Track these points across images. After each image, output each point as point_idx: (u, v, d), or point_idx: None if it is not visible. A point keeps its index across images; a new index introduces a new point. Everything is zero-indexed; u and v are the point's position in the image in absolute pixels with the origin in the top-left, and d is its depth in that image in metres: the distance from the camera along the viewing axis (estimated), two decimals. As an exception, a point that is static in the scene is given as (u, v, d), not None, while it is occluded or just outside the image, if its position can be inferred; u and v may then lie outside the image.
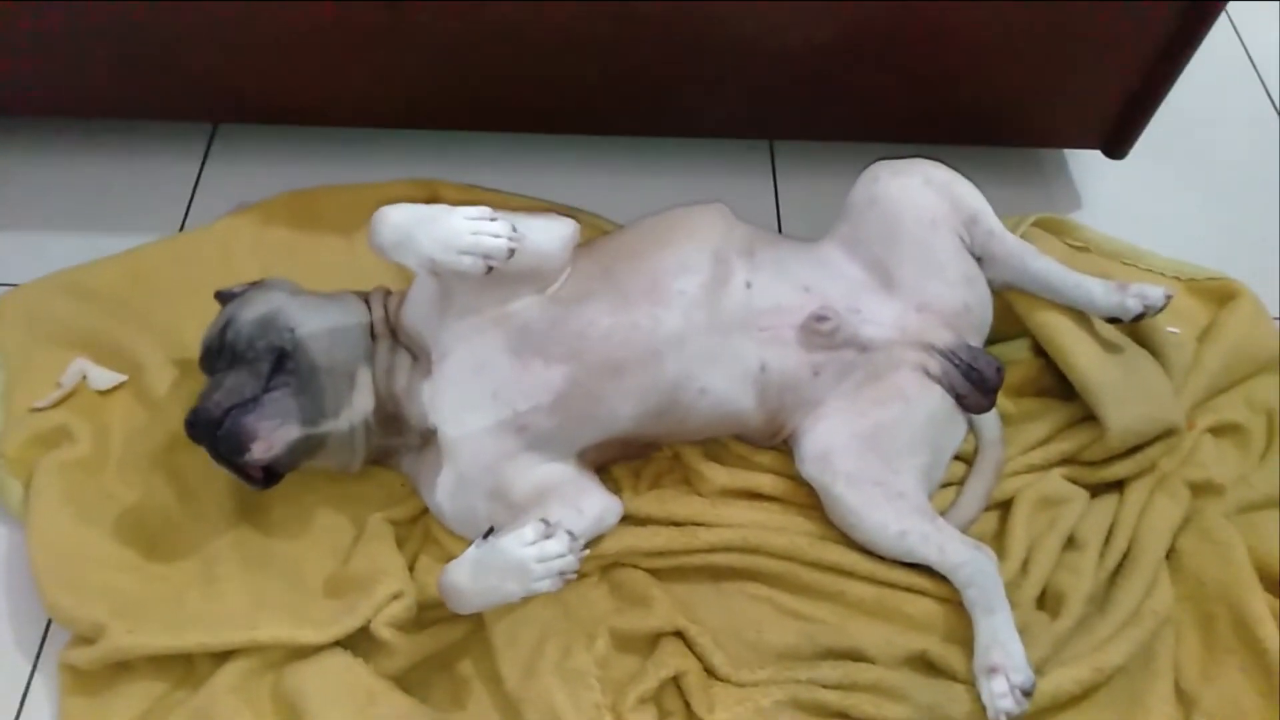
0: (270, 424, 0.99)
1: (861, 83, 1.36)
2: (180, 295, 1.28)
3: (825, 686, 1.02)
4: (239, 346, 1.02)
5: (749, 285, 1.11)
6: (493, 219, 0.97)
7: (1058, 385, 1.23)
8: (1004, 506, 1.17)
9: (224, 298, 1.14)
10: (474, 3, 1.21)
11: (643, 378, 1.05)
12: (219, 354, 1.04)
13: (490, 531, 0.96)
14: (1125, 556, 1.12)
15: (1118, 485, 1.18)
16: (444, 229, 0.95)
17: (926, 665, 1.05)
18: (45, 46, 1.25)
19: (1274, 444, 1.23)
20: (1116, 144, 1.42)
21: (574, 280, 1.07)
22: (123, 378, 1.21)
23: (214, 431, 0.97)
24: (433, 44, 1.27)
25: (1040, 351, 1.25)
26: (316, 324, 1.05)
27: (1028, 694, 0.98)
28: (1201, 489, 1.17)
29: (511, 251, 0.95)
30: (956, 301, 1.16)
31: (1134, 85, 1.35)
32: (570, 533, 0.95)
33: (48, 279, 1.28)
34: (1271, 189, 1.57)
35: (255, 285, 1.13)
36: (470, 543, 1.04)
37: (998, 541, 1.14)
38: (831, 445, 1.10)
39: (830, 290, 1.14)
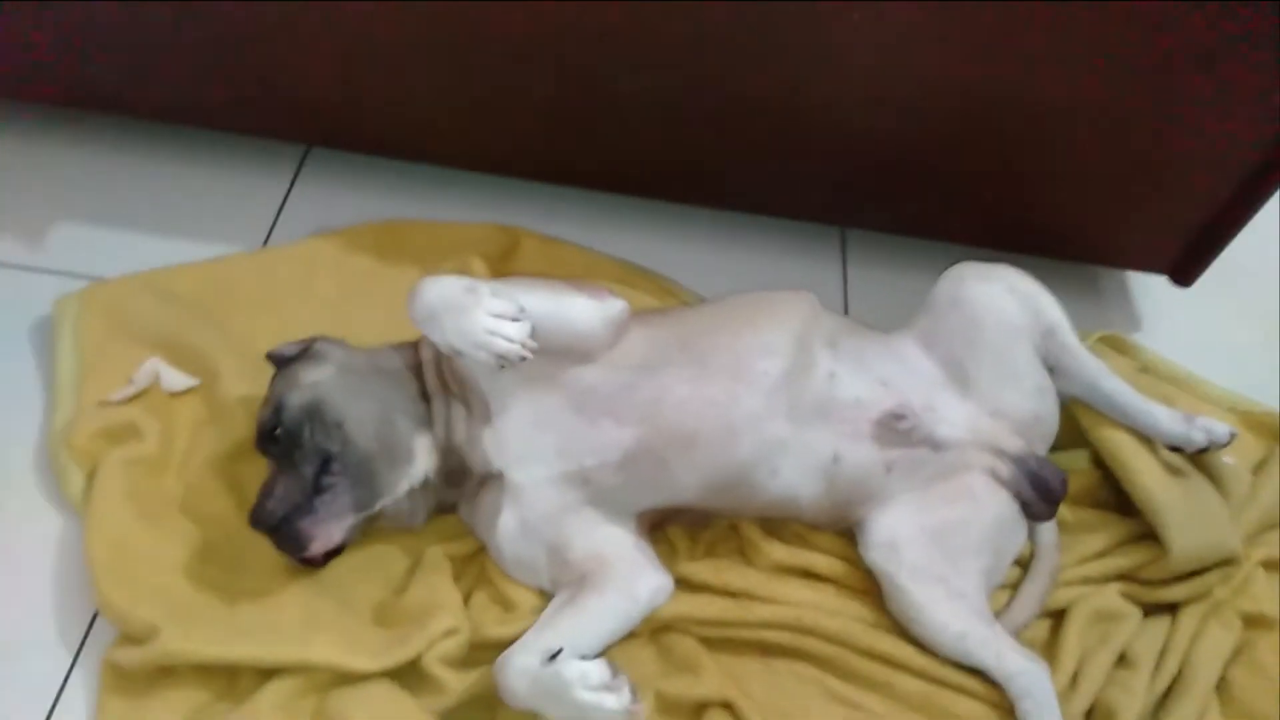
0: (325, 526, 1.02)
1: (941, 181, 1.40)
2: (259, 308, 1.30)
3: (873, 778, 1.00)
4: (289, 437, 1.03)
5: (831, 376, 1.12)
6: (515, 319, 0.96)
7: (1115, 500, 1.24)
8: (1055, 616, 1.17)
9: (275, 360, 1.14)
10: (592, 79, 1.27)
11: (715, 452, 1.06)
12: (271, 439, 1.04)
13: (559, 654, 0.95)
14: (1175, 680, 1.11)
15: (1170, 608, 1.18)
16: (465, 322, 0.95)
17: (974, 769, 1.03)
18: (173, 51, 1.29)
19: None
20: (1185, 272, 1.45)
21: (644, 347, 1.08)
22: (195, 381, 1.22)
23: (273, 534, 1.01)
24: (542, 105, 1.31)
25: (1098, 464, 1.26)
26: (364, 412, 1.05)
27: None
28: (1254, 621, 1.16)
29: (524, 357, 0.95)
30: (1029, 411, 1.18)
31: (1210, 216, 1.38)
32: (633, 692, 0.94)
33: (133, 277, 1.30)
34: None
35: (305, 352, 1.12)
36: (526, 588, 1.06)
37: (1048, 651, 1.13)
38: (898, 535, 1.11)
39: (907, 387, 1.16)
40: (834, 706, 1.07)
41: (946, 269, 1.23)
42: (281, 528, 1.00)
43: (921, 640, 1.09)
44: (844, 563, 1.15)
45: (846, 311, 1.50)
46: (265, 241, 1.43)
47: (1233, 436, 1.19)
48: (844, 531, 1.17)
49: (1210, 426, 1.19)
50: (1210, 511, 1.18)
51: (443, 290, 0.99)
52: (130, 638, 0.99)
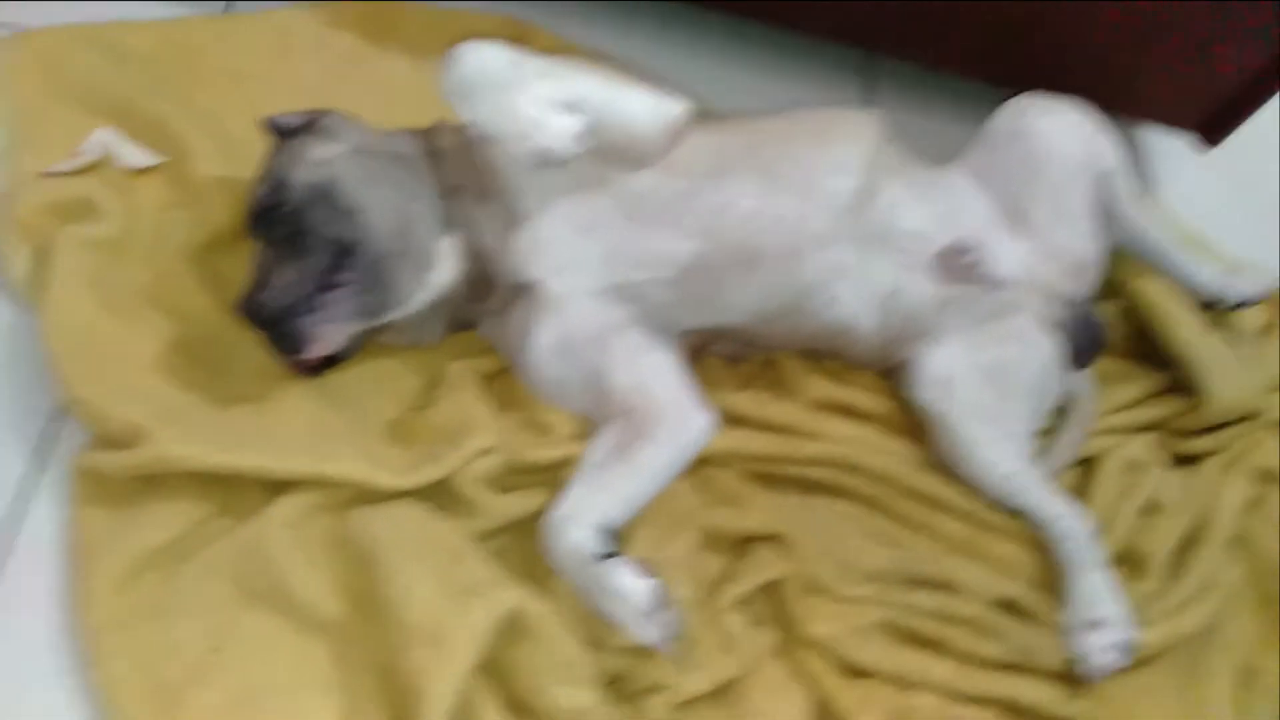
0: (329, 327, 0.87)
1: (973, 13, 1.30)
2: (227, 81, 1.11)
3: (924, 615, 0.97)
4: (292, 220, 0.88)
5: (893, 204, 1.04)
6: (569, 111, 0.83)
7: (1141, 352, 1.22)
8: (1083, 463, 1.15)
9: (278, 129, 0.96)
10: None
11: (776, 273, 0.96)
12: (269, 221, 0.89)
13: (612, 554, 0.84)
14: (1197, 528, 1.12)
15: (1189, 459, 1.18)
16: (508, 103, 0.82)
17: (1014, 609, 1.01)
18: None
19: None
20: (1212, 131, 1.41)
21: (704, 153, 0.96)
22: (159, 159, 1.02)
23: (267, 327, 0.85)
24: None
25: (1127, 316, 1.23)
26: (383, 202, 0.90)
27: (1130, 651, 0.96)
28: (1267, 477, 1.18)
29: (566, 157, 0.83)
30: (1081, 254, 1.13)
31: (1243, 81, 1.34)
32: (676, 623, 0.84)
33: (74, 29, 1.08)
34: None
35: (312, 123, 0.95)
36: (560, 411, 0.96)
37: (1078, 497, 1.11)
38: (953, 372, 1.05)
39: (964, 221, 1.08)
40: (875, 545, 1.02)
41: (979, 111, 1.14)
42: (279, 321, 0.85)
43: (967, 479, 1.05)
44: (887, 400, 1.09)
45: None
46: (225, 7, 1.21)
47: (1265, 295, 1.18)
48: (886, 373, 1.11)
49: (1243, 284, 1.18)
50: (1242, 365, 1.17)
51: (485, 61, 0.84)
52: (109, 440, 0.84)
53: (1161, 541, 1.08)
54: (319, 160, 0.90)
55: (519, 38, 1.25)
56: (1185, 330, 1.15)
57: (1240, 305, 1.18)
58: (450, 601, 0.80)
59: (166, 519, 0.84)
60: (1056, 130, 1.12)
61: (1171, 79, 1.38)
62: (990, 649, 0.97)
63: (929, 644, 0.97)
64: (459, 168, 0.94)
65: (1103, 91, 1.41)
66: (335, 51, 1.17)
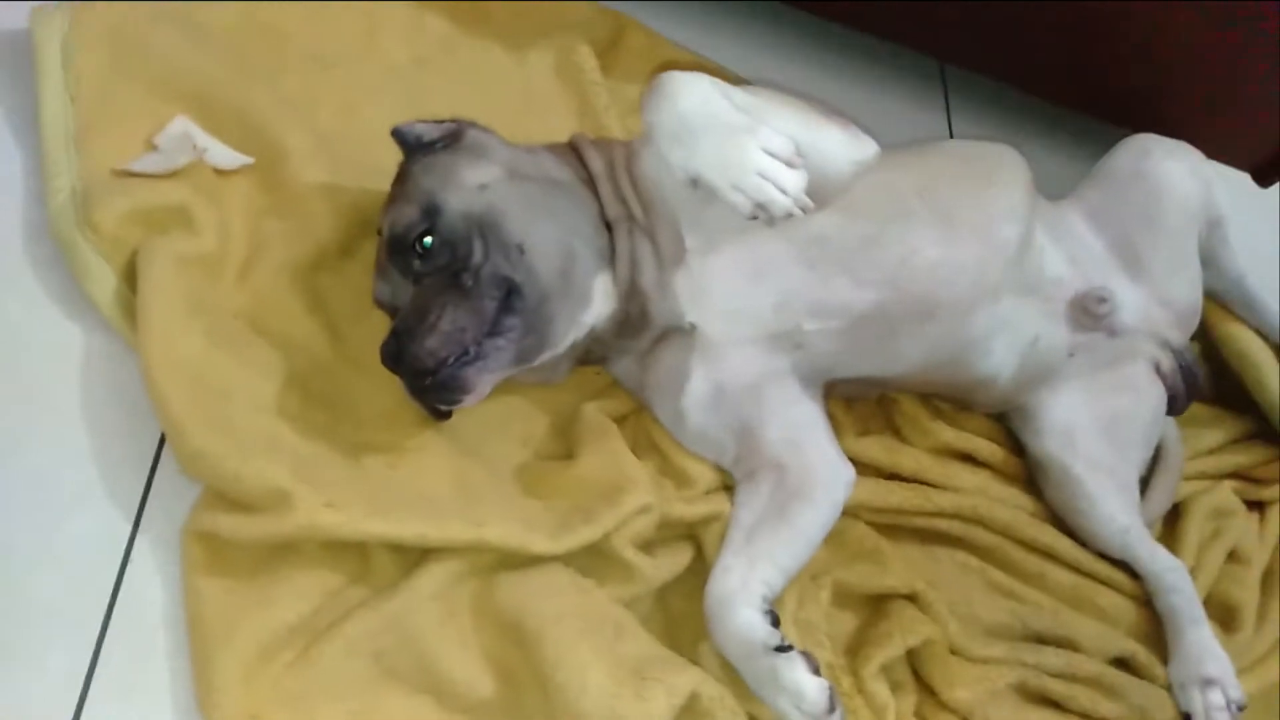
0: (488, 376, 0.78)
1: (1039, 34, 1.27)
2: (315, 67, 0.99)
3: (1049, 674, 0.96)
4: (449, 252, 0.78)
5: (1042, 249, 1.00)
6: (791, 164, 0.76)
7: (1219, 394, 1.24)
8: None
9: (408, 142, 0.86)
10: None
11: (949, 325, 0.92)
12: (420, 252, 0.79)
13: (786, 648, 0.78)
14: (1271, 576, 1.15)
15: (1256, 505, 1.21)
16: (733, 152, 0.76)
17: (1128, 666, 1.02)
18: None
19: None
20: (1265, 174, 1.44)
21: (880, 193, 0.90)
22: (248, 159, 0.90)
23: (422, 378, 0.76)
24: None
25: (1207, 358, 1.24)
26: (547, 236, 0.81)
27: (1239, 709, 0.98)
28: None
29: (790, 214, 0.76)
30: (1192, 301, 1.13)
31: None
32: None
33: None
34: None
35: (453, 135, 0.85)
36: (700, 459, 0.91)
37: (1165, 543, 1.12)
38: (1075, 424, 1.04)
39: (1091, 267, 1.06)
40: (997, 597, 1.01)
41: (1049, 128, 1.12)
42: (439, 372, 0.76)
43: (1082, 531, 1.04)
44: (1000, 446, 1.07)
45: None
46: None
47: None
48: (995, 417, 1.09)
49: (1324, 332, 1.20)
50: (1321, 415, 1.21)
51: (706, 101, 0.77)
52: (238, 502, 0.73)
53: (1249, 591, 1.11)
54: (477, 185, 0.80)
55: (617, 31, 1.16)
56: (1273, 376, 1.17)
57: (1320, 354, 1.21)
58: (626, 687, 0.74)
59: (300, 592, 0.74)
60: (1180, 175, 1.11)
61: (1237, 120, 1.39)
62: (1109, 709, 0.97)
63: (1054, 703, 0.96)
64: (615, 197, 0.86)
65: (1164, 125, 1.42)
66: (427, 38, 1.05)
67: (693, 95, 0.77)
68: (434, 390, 0.77)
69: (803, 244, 0.86)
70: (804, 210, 0.76)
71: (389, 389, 0.84)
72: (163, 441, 0.79)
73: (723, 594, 0.81)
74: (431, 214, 0.79)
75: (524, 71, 1.08)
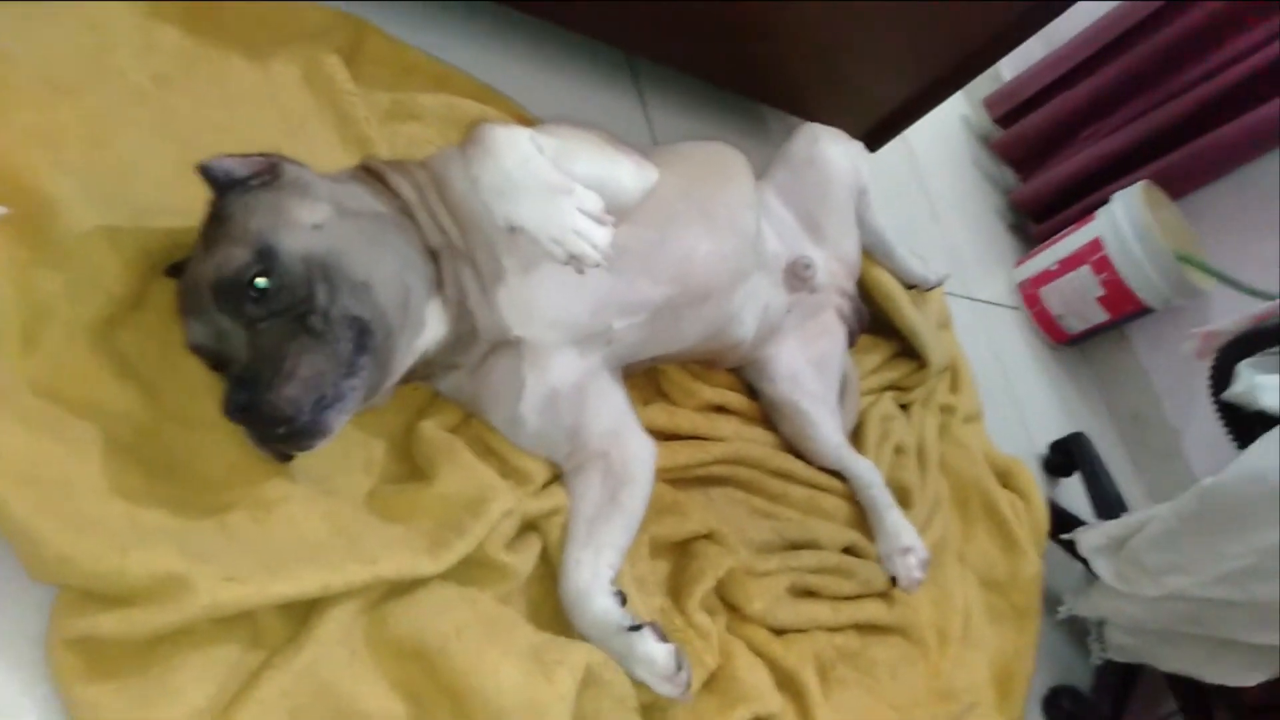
0: (346, 416, 0.78)
1: (713, 27, 1.45)
2: (49, 94, 0.86)
3: (807, 571, 1.21)
4: (293, 295, 0.76)
5: (763, 229, 1.20)
6: (601, 221, 0.86)
7: (873, 326, 1.57)
8: (851, 421, 1.48)
9: (217, 179, 0.81)
10: None
11: (720, 305, 1.09)
12: (256, 297, 0.76)
13: (637, 627, 0.90)
14: (921, 457, 1.52)
15: (902, 407, 1.57)
16: (553, 211, 0.83)
17: (854, 551, 1.30)
18: None
19: (960, 378, 1.73)
20: (874, 140, 1.80)
21: (653, 201, 1.02)
22: (4, 209, 0.78)
23: (278, 426, 0.74)
24: None
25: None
26: (387, 272, 0.82)
27: (927, 566, 1.31)
28: (946, 410, 1.62)
29: (598, 264, 0.86)
30: (856, 256, 1.42)
31: (902, 103, 1.72)
32: (688, 682, 0.92)
33: None
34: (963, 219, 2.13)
35: (272, 174, 0.82)
36: (534, 457, 0.99)
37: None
38: (796, 368, 1.28)
39: (789, 238, 1.30)
40: (760, 519, 1.23)
41: (793, 126, 1.36)
42: (300, 419, 0.75)
43: (808, 453, 1.30)
44: (743, 396, 1.29)
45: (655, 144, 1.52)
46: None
47: (944, 278, 1.60)
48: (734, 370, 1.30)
49: (937, 270, 1.58)
50: (939, 335, 1.59)
51: (527, 160, 0.84)
52: (119, 597, 0.68)
53: (913, 474, 1.45)
54: (310, 224, 0.79)
55: (357, 38, 1.14)
56: (909, 310, 1.52)
57: (933, 288, 1.58)
58: (534, 676, 0.82)
59: (200, 674, 0.70)
60: (840, 156, 1.38)
61: (851, 96, 1.72)
62: (848, 587, 1.24)
63: (812, 593, 1.21)
64: (433, 225, 0.89)
65: (797, 102, 1.72)
66: (162, 52, 0.96)
67: (515, 154, 0.83)
68: (291, 438, 0.76)
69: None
70: (608, 261, 0.85)
71: (227, 442, 0.81)
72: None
73: (578, 587, 0.92)
74: (266, 256, 0.76)
75: (271, 85, 1.03)
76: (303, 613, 0.78)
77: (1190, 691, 1.50)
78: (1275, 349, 1.41)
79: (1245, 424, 1.40)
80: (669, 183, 1.06)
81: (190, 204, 0.86)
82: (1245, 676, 1.32)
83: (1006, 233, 2.33)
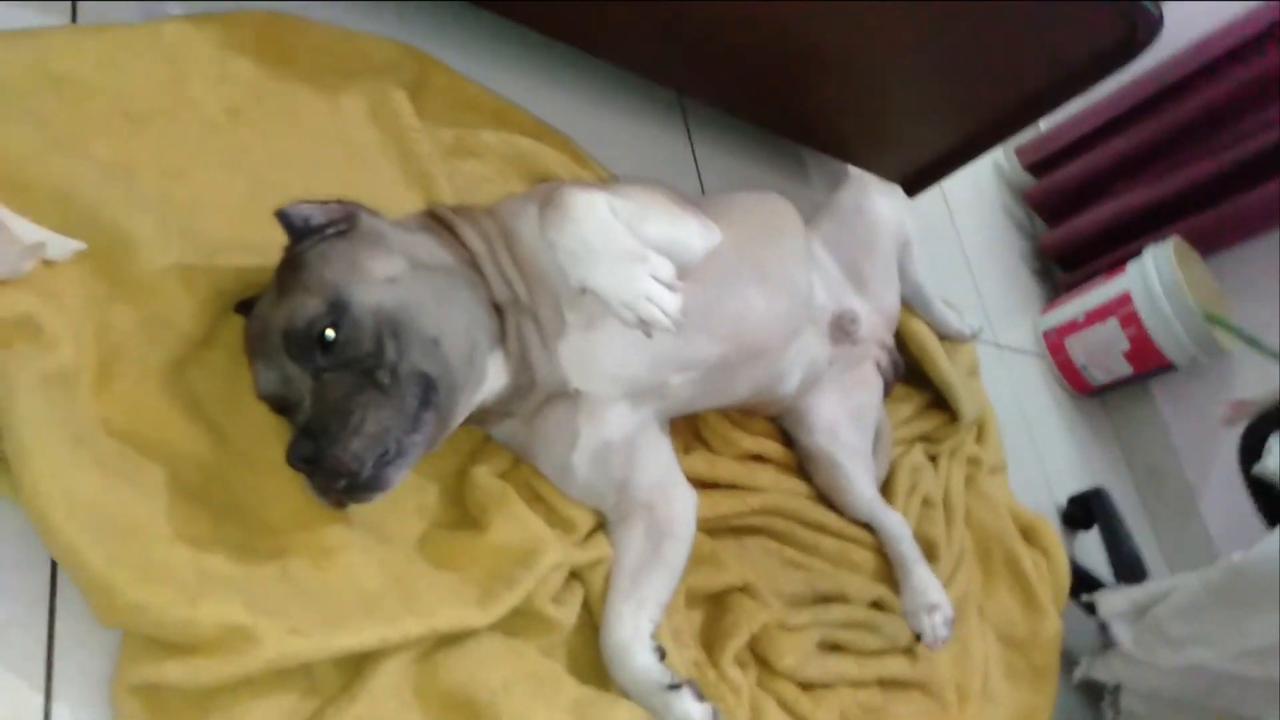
0: (407, 471, 0.79)
1: (763, 71, 1.45)
2: (126, 125, 0.87)
3: (835, 626, 1.21)
4: (362, 348, 0.77)
5: (813, 283, 1.21)
6: (672, 287, 0.85)
7: (907, 376, 1.57)
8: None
9: (295, 226, 0.81)
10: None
11: (772, 362, 1.10)
12: (327, 347, 0.76)
13: (677, 686, 0.90)
14: (949, 510, 1.52)
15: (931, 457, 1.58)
16: (627, 277, 0.83)
17: (881, 605, 1.30)
18: None
19: (987, 430, 1.74)
20: (912, 186, 1.80)
21: (711, 261, 1.02)
22: (81, 245, 0.79)
23: (340, 479, 0.74)
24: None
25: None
26: (455, 328, 0.83)
27: (952, 624, 1.31)
28: (973, 461, 1.63)
29: (666, 330, 0.85)
30: (896, 308, 1.43)
31: (941, 154, 1.73)
32: None
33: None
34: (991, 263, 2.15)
35: (348, 223, 0.83)
36: (581, 505, 1.00)
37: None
38: (835, 421, 1.28)
39: (837, 290, 1.30)
40: (792, 570, 1.23)
41: (844, 175, 1.36)
42: (364, 473, 0.75)
43: (841, 504, 1.31)
44: (781, 445, 1.29)
45: (702, 188, 1.53)
46: (74, 15, 0.91)
47: (978, 332, 1.61)
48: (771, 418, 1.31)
49: (970, 324, 1.59)
50: (972, 388, 1.59)
51: (604, 226, 0.84)
52: (184, 646, 0.69)
53: (939, 528, 1.46)
54: (384, 278, 0.79)
55: (422, 72, 1.14)
56: (943, 364, 1.52)
57: (968, 340, 1.59)
58: (577, 731, 0.83)
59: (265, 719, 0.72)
60: (888, 208, 1.38)
61: (891, 142, 1.73)
62: (873, 642, 1.25)
63: (839, 648, 1.22)
64: (500, 278, 0.89)
65: (839, 146, 1.73)
66: (235, 85, 0.96)
67: (592, 219, 0.83)
68: (352, 491, 0.76)
69: None
70: (676, 328, 0.85)
71: (290, 487, 0.82)
72: (54, 593, 0.70)
73: (620, 642, 0.92)
74: (338, 309, 0.77)
75: (338, 119, 1.04)
76: (357, 661, 0.79)
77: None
78: (1307, 424, 1.42)
79: (1273, 499, 1.41)
80: (726, 238, 1.06)
81: (260, 240, 0.88)
82: (1261, 752, 1.33)
83: (1032, 279, 2.33)
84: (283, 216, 0.80)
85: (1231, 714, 1.35)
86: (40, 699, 0.67)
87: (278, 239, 0.84)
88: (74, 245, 0.78)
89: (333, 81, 1.05)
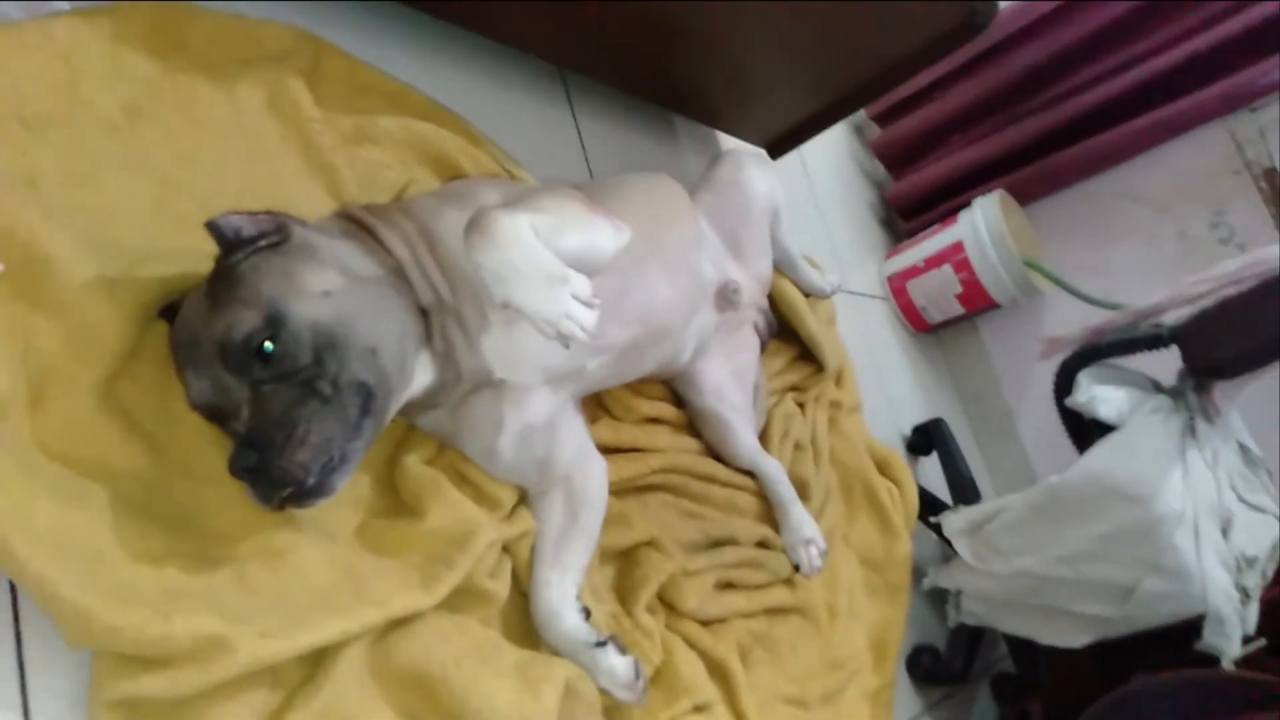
0: (349, 475, 0.83)
1: (627, 42, 1.50)
2: (23, 133, 0.84)
3: (728, 566, 1.35)
4: (293, 363, 0.80)
5: (701, 257, 1.30)
6: (590, 306, 0.90)
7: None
8: (757, 421, 1.62)
9: (226, 238, 0.82)
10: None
11: (675, 340, 1.19)
12: (264, 359, 0.79)
13: (602, 643, 1.00)
14: (815, 451, 1.68)
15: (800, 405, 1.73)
16: (549, 296, 0.87)
17: (765, 544, 1.44)
18: None
19: (845, 375, 1.91)
20: (777, 148, 1.91)
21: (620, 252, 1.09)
22: (-2, 263, 0.77)
23: (291, 490, 0.78)
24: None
25: (764, 305, 1.70)
26: (389, 337, 0.86)
27: (824, 552, 1.47)
28: (834, 404, 1.79)
29: (582, 341, 0.90)
30: (769, 273, 1.54)
31: (805, 117, 1.84)
32: (644, 689, 1.03)
33: None
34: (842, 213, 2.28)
35: (279, 234, 0.84)
36: (504, 483, 1.07)
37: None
38: (721, 382, 1.39)
39: (717, 259, 1.40)
40: (688, 521, 1.35)
41: (711, 140, 1.44)
42: (308, 482, 0.78)
43: (727, 456, 1.43)
44: (673, 406, 1.40)
45: (589, 167, 1.58)
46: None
47: (838, 288, 1.76)
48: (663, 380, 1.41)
49: (831, 280, 1.73)
50: (832, 338, 1.74)
51: (529, 252, 0.87)
52: (159, 659, 0.72)
53: (809, 467, 1.62)
54: (320, 291, 0.82)
55: (315, 58, 1.13)
56: (811, 321, 1.67)
57: (829, 296, 1.74)
58: (524, 695, 0.91)
59: (241, 718, 0.76)
60: (760, 180, 1.49)
61: (757, 107, 1.83)
62: (761, 577, 1.39)
63: (731, 585, 1.35)
64: (425, 283, 0.93)
65: (708, 112, 1.81)
66: (134, 80, 0.93)
67: (517, 245, 0.86)
68: (297, 498, 0.79)
69: None
70: (590, 339, 0.90)
71: (231, 494, 0.84)
72: (17, 616, 0.71)
73: (549, 606, 1.01)
74: (275, 323, 0.79)
75: (237, 111, 1.02)
76: (317, 653, 0.83)
77: (1024, 650, 1.76)
78: (1111, 360, 1.64)
79: (1083, 427, 1.63)
80: (631, 229, 1.13)
81: (177, 247, 0.88)
82: (1073, 639, 1.57)
83: (878, 227, 2.52)
84: (213, 229, 0.81)
85: (1051, 608, 1.59)
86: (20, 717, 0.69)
87: (194, 245, 0.85)
88: (-9, 265, 0.76)
89: (229, 71, 1.03)
